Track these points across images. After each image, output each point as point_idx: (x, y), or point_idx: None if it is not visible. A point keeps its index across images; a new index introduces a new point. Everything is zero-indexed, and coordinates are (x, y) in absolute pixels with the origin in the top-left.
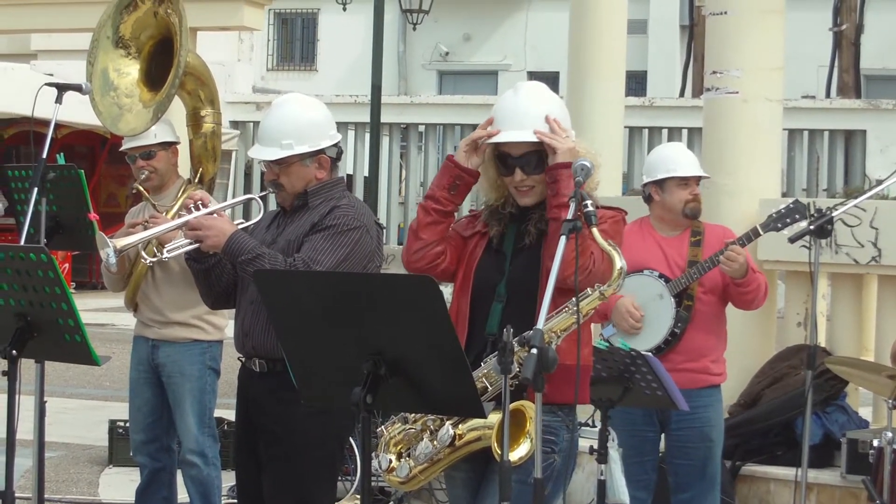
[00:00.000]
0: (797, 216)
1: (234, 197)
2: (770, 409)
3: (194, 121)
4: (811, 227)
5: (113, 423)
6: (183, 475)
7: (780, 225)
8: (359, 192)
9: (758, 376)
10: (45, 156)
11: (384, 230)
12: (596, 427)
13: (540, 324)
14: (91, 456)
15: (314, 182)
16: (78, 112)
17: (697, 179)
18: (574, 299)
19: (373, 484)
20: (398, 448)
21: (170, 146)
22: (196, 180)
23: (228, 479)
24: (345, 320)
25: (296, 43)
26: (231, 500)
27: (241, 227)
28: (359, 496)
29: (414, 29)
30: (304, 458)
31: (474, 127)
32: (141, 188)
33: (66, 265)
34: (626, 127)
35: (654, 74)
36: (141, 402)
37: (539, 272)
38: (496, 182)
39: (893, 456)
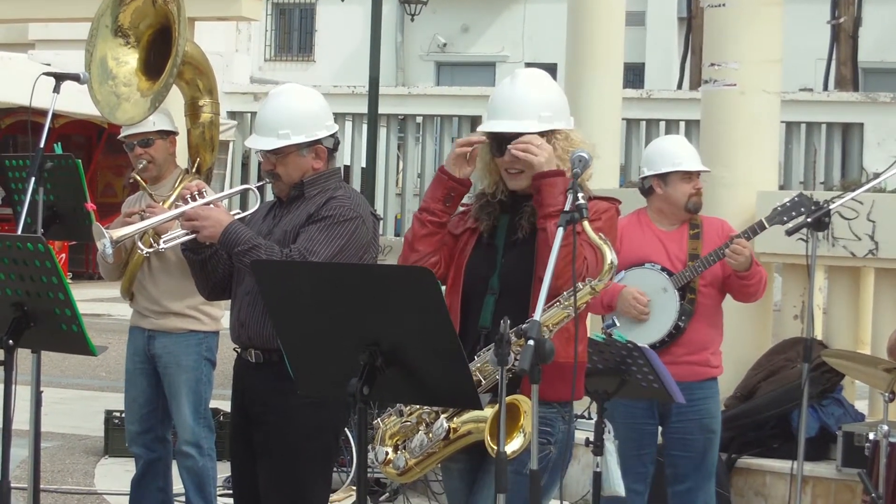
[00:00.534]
0: (802, 210)
1: (231, 187)
2: (766, 402)
3: (192, 110)
4: (808, 220)
5: (109, 413)
6: (178, 466)
7: (785, 218)
8: (356, 183)
9: (754, 369)
10: (42, 145)
11: (381, 221)
12: (592, 419)
13: (537, 315)
14: (87, 446)
15: (311, 172)
16: (75, 102)
17: (698, 173)
18: (566, 293)
19: (368, 475)
20: (394, 440)
21: (168, 136)
22: (193, 170)
23: (224, 470)
24: (341, 311)
25: (294, 33)
26: (226, 491)
27: (237, 217)
28: (354, 487)
29: (412, 20)
30: (299, 448)
31: (472, 118)
32: (138, 178)
33: (63, 255)
34: (623, 119)
35: (652, 66)
36: (136, 393)
37: (532, 266)
38: (490, 164)
39: (889, 449)
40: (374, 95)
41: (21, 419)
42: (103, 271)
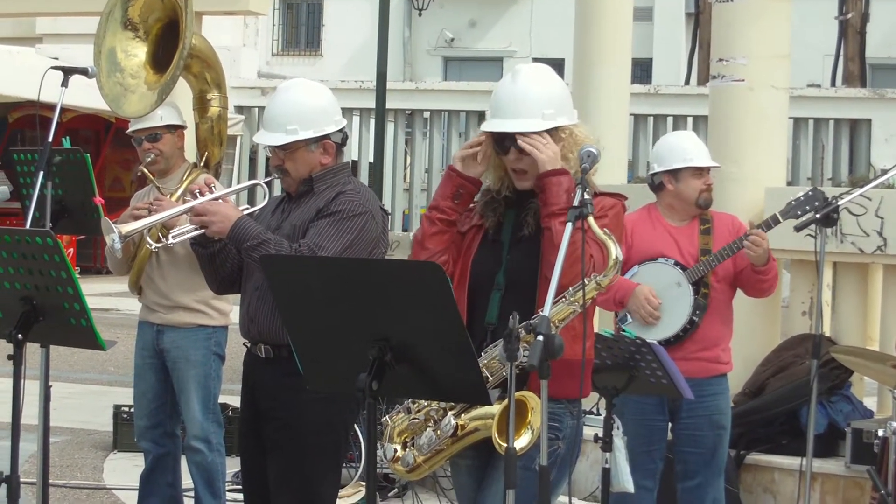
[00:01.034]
0: (816, 204)
1: (239, 182)
2: (775, 399)
3: (201, 104)
4: (817, 216)
5: (117, 408)
6: (187, 461)
7: (799, 212)
8: (364, 177)
9: (763, 365)
10: (50, 139)
11: (389, 216)
12: (601, 415)
13: (546, 311)
14: (95, 441)
15: (319, 167)
16: (83, 96)
17: (709, 169)
18: (571, 289)
19: (378, 471)
20: (403, 437)
21: (176, 129)
22: (202, 164)
23: (233, 465)
24: (351, 306)
25: (301, 28)
26: (235, 487)
27: (246, 212)
28: (363, 483)
29: (419, 14)
30: (308, 444)
31: (479, 113)
32: (146, 171)
33: (71, 249)
34: (631, 114)
35: (660, 62)
36: (145, 388)
37: (538, 262)
38: (495, 161)
39: None
40: (381, 90)
41: (30, 414)
42: (112, 265)
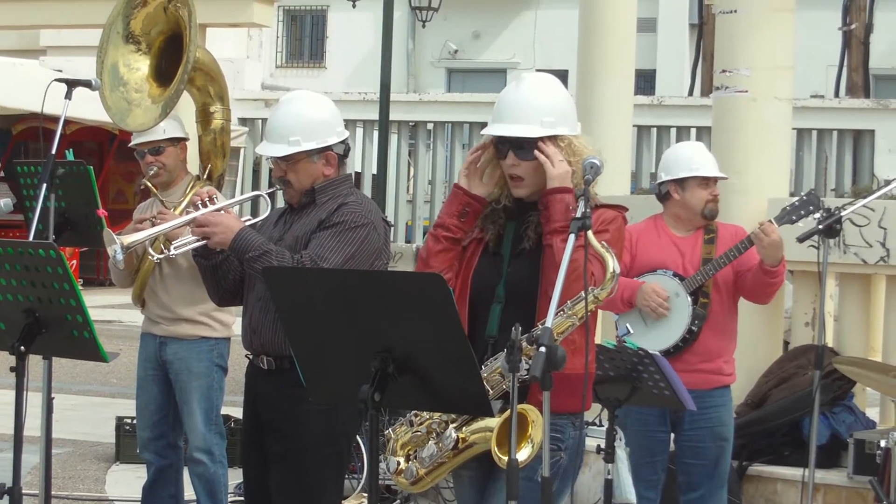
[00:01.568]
0: (811, 207)
1: (242, 193)
2: (777, 409)
3: (203, 117)
4: (820, 227)
5: (120, 419)
6: (189, 472)
7: (794, 217)
8: (367, 189)
9: (765, 376)
10: (53, 152)
11: (392, 228)
12: (603, 426)
13: (549, 322)
14: (98, 453)
15: (322, 179)
16: (87, 108)
17: (716, 180)
18: (570, 303)
19: (380, 482)
20: (406, 450)
21: (178, 142)
22: (205, 176)
23: (235, 477)
24: (353, 317)
25: (305, 40)
26: (238, 498)
27: (248, 223)
28: (365, 494)
29: (423, 26)
30: (311, 455)
31: (483, 125)
32: (149, 184)
33: (74, 261)
34: (634, 125)
35: (663, 73)
36: (148, 399)
37: (538, 275)
38: (496, 170)
39: None
40: (385, 102)
41: (32, 425)
42: (115, 278)
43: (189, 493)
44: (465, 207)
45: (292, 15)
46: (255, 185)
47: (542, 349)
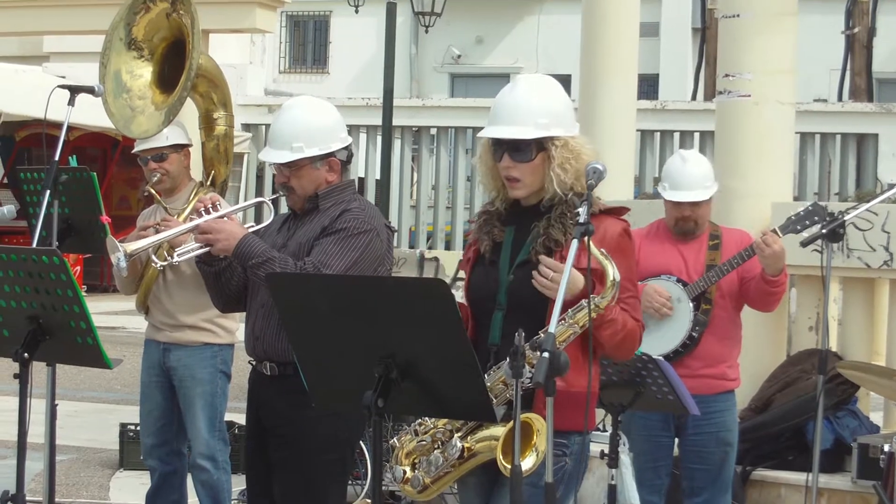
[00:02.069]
0: (816, 219)
1: (245, 200)
2: (781, 414)
3: (207, 123)
4: (823, 231)
5: (124, 426)
6: (193, 479)
7: (798, 227)
8: (370, 195)
9: (769, 381)
10: (57, 158)
11: (395, 233)
12: (607, 431)
13: (552, 328)
14: (102, 459)
15: (324, 185)
16: (90, 114)
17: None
18: (570, 311)
19: (383, 488)
20: (411, 459)
21: (182, 148)
22: (208, 183)
23: (239, 483)
24: (356, 324)
25: (308, 45)
26: None
27: (251, 230)
28: (369, 500)
29: (426, 31)
30: (314, 461)
31: None
32: (152, 191)
33: (78, 268)
34: (637, 130)
35: (667, 77)
36: (152, 406)
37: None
38: (492, 170)
39: None
40: (388, 107)
41: (36, 432)
42: (119, 285)
43: (193, 499)
44: None
45: (295, 20)
46: (259, 191)
47: (546, 354)
